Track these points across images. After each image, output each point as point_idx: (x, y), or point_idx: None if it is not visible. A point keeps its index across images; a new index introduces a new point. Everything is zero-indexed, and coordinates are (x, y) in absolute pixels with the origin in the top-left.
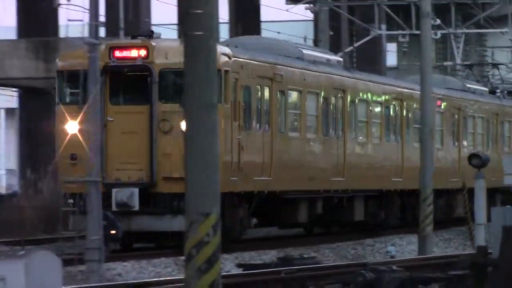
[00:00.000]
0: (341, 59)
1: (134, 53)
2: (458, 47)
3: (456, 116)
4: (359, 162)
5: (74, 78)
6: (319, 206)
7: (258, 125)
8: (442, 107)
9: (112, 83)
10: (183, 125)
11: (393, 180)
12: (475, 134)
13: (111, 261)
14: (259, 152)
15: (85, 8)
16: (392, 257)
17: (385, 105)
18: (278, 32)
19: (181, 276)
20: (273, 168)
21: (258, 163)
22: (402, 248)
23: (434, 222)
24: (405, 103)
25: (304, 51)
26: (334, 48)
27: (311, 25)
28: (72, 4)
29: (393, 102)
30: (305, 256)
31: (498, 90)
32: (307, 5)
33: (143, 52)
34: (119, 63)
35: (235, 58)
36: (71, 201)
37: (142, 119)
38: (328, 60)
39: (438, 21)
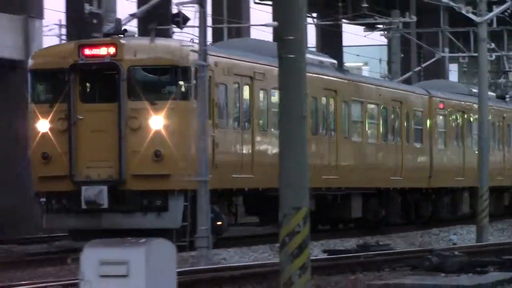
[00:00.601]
0: (335, 61)
1: (103, 51)
2: (510, 67)
3: (460, 118)
4: (353, 161)
5: (46, 77)
6: (311, 203)
7: (236, 123)
8: (444, 108)
9: (82, 81)
10: (151, 122)
11: (392, 179)
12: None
13: (217, 248)
14: (238, 149)
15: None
16: (454, 244)
17: (383, 107)
18: (357, 55)
19: (276, 260)
20: (255, 165)
21: (237, 161)
22: (463, 236)
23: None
24: (404, 105)
25: None
26: (405, 68)
27: (385, 49)
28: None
29: (391, 104)
30: (381, 243)
31: (507, 96)
32: (382, 32)
33: (112, 50)
34: (87, 61)
35: (210, 56)
36: (44, 199)
37: (111, 117)
38: (321, 62)
39: (493, 45)
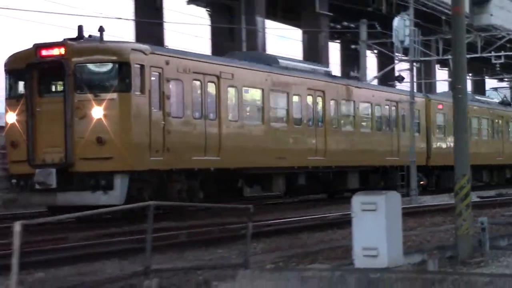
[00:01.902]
0: (329, 70)
1: (55, 51)
2: None
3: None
4: (340, 146)
5: (14, 76)
6: (300, 179)
7: (197, 113)
8: (443, 109)
9: (39, 78)
10: (94, 112)
11: (387, 159)
12: (481, 129)
13: (420, 195)
14: (198, 136)
15: None
16: None
17: (376, 105)
18: None
19: (453, 202)
20: (222, 149)
21: (199, 145)
22: None
23: None
24: (398, 105)
25: (280, 60)
26: None
27: None
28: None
29: (386, 104)
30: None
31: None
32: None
33: (62, 50)
34: (41, 60)
35: (157, 55)
36: (15, 181)
37: (62, 108)
38: (313, 69)
39: None
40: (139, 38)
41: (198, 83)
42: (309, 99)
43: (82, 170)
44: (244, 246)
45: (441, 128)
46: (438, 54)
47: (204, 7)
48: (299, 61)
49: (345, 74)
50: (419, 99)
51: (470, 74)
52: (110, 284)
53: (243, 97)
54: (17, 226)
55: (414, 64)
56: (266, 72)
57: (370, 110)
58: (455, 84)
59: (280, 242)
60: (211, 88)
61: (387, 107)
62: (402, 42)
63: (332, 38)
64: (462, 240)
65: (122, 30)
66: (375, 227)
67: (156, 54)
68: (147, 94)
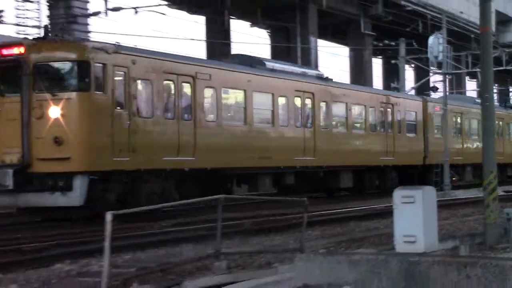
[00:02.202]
0: (321, 73)
1: (15, 50)
2: None
3: (459, 118)
4: (331, 147)
5: None
6: (289, 178)
7: (170, 113)
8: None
9: (1, 77)
10: (51, 112)
11: (382, 159)
12: (479, 129)
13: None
14: (170, 136)
15: None
16: None
17: (370, 107)
18: None
19: (481, 195)
20: (198, 149)
21: (171, 145)
22: None
23: None
24: (394, 107)
25: (267, 63)
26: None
27: None
28: None
29: (381, 106)
30: None
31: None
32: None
33: (21, 49)
34: (2, 59)
35: (122, 54)
36: None
37: (20, 108)
38: (304, 72)
39: None
40: (210, 56)
41: (170, 83)
42: (297, 101)
43: (40, 171)
44: (300, 233)
45: (438, 129)
46: (467, 67)
47: (265, 29)
48: (289, 64)
49: (387, 85)
50: (416, 102)
51: (496, 85)
52: (187, 265)
53: (222, 98)
54: (108, 216)
55: (447, 76)
56: (249, 73)
57: (363, 112)
58: (483, 93)
59: (330, 230)
60: (186, 89)
61: (382, 109)
62: (436, 57)
63: (375, 54)
64: (489, 228)
65: (195, 50)
66: (413, 217)
67: (121, 53)
68: (110, 94)
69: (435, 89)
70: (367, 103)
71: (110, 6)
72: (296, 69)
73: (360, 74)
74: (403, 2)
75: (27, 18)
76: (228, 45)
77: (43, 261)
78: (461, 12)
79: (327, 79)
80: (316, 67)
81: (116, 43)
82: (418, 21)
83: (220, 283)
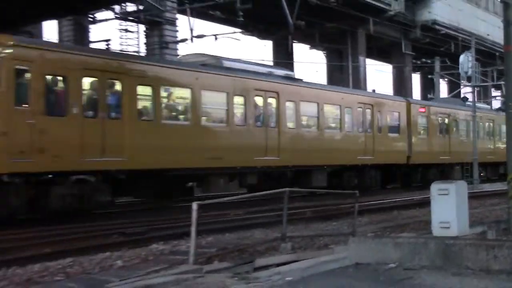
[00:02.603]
0: (291, 73)
1: None
2: None
3: (446, 119)
4: (298, 146)
5: None
6: (251, 178)
7: (91, 112)
8: (426, 112)
9: None
10: None
11: (360, 158)
12: (462, 129)
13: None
14: (91, 136)
15: None
16: None
17: (346, 107)
18: None
19: (505, 188)
20: (129, 150)
21: (92, 145)
22: None
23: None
24: (374, 108)
25: (224, 62)
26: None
27: None
28: None
29: (359, 106)
30: None
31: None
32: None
33: None
34: None
35: (26, 48)
36: None
37: None
38: (270, 72)
39: None
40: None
41: (92, 80)
42: (258, 100)
43: None
44: (352, 220)
45: (422, 129)
46: (493, 81)
47: (322, 50)
48: (251, 63)
49: (424, 96)
50: (399, 103)
51: None
52: (258, 246)
53: (160, 96)
54: (194, 205)
55: (475, 88)
56: (196, 71)
57: (338, 112)
58: (508, 102)
59: (377, 217)
60: (117, 86)
61: (360, 109)
62: (466, 72)
63: (414, 70)
64: None
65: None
66: (448, 206)
67: (24, 46)
68: (6, 90)
69: (465, 99)
70: (343, 103)
71: (195, 33)
72: (259, 68)
73: (401, 87)
74: (437, 27)
75: (128, 45)
76: (291, 64)
77: (141, 242)
78: (488, 35)
79: (296, 79)
80: (364, 82)
81: (25, 35)
82: (450, 42)
83: (286, 261)
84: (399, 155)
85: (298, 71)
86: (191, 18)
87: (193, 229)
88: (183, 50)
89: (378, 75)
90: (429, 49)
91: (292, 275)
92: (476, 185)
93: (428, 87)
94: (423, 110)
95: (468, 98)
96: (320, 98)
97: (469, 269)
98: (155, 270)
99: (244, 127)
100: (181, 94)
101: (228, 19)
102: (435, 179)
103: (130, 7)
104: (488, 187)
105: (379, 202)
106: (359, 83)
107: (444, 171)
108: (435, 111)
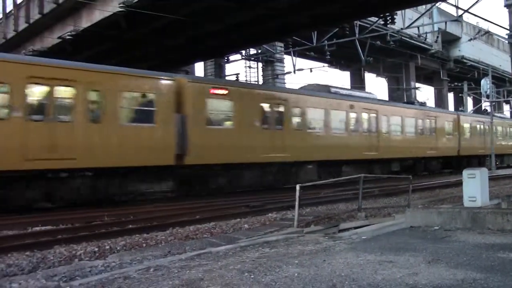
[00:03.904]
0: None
1: None
2: None
3: (482, 125)
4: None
5: None
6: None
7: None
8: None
9: None
10: None
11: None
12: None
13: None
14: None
15: None
16: None
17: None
18: None
19: None
20: (79, 149)
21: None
22: None
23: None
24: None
25: (332, 89)
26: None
27: None
28: None
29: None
30: None
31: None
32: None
33: None
34: None
35: None
36: None
37: None
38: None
39: None
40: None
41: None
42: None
43: None
44: (407, 196)
45: (467, 132)
46: (504, 97)
47: (384, 77)
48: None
49: (456, 109)
50: (452, 115)
51: None
52: (341, 215)
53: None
54: (297, 187)
55: (492, 103)
56: (78, 69)
57: (414, 122)
58: None
59: (425, 194)
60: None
61: (427, 120)
62: (485, 92)
63: (449, 91)
64: None
65: None
66: (474, 186)
67: None
68: None
69: (485, 111)
70: (417, 116)
71: (296, 68)
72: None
73: (440, 103)
74: (465, 60)
75: (250, 76)
76: (363, 88)
77: (260, 212)
78: (500, 65)
79: (386, 101)
80: (415, 99)
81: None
82: (474, 71)
83: (361, 225)
84: (452, 150)
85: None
86: (294, 57)
87: (296, 203)
88: (288, 79)
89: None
90: (459, 76)
91: (366, 234)
92: (494, 170)
93: (459, 103)
94: (467, 119)
95: (487, 110)
96: (402, 112)
97: (489, 229)
98: (271, 231)
99: (357, 133)
100: (317, 113)
101: (319, 57)
102: (477, 166)
103: (252, 51)
104: (501, 172)
105: (426, 183)
106: (410, 101)
107: (480, 161)
108: (474, 119)
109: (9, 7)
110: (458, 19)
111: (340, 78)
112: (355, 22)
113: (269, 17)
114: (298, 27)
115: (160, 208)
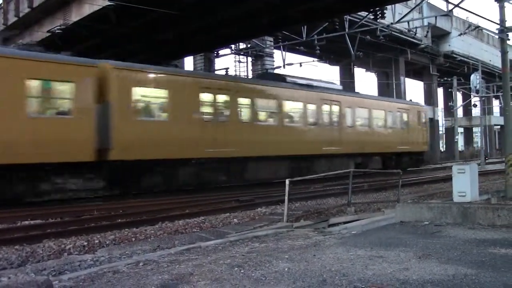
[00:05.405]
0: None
1: None
2: None
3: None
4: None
5: None
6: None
7: None
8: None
9: None
10: None
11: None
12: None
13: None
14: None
15: None
16: None
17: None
18: None
19: (503, 168)
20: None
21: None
22: None
23: None
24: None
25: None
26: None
27: None
28: None
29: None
30: None
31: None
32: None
33: None
34: None
35: None
36: None
37: None
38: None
39: None
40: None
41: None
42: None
43: None
44: (397, 191)
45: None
46: (494, 92)
47: (374, 72)
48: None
49: (446, 105)
50: (414, 106)
51: None
52: (331, 210)
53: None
54: (287, 181)
55: (482, 98)
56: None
57: (384, 114)
58: (505, 107)
59: (414, 189)
60: None
61: (398, 113)
62: (475, 87)
63: (439, 86)
64: (509, 187)
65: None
66: (464, 181)
67: None
68: None
69: (475, 105)
70: (387, 108)
71: (286, 62)
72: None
73: (430, 98)
74: (455, 55)
75: (240, 71)
76: (353, 83)
77: (250, 206)
78: (490, 60)
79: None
80: (404, 95)
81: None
82: (464, 66)
83: (351, 220)
84: (421, 146)
85: (358, 87)
86: (283, 52)
87: (286, 197)
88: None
89: (413, 90)
90: (449, 71)
91: (356, 229)
92: (483, 165)
93: (449, 98)
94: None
95: (476, 105)
96: (372, 105)
97: (480, 225)
98: (260, 226)
99: (317, 126)
100: (269, 104)
101: (309, 52)
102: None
103: (242, 45)
104: (491, 167)
105: (415, 178)
106: (400, 95)
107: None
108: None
109: None
110: (448, 14)
111: (330, 73)
112: (345, 16)
113: (260, 12)
114: (290, 21)
115: (150, 203)
